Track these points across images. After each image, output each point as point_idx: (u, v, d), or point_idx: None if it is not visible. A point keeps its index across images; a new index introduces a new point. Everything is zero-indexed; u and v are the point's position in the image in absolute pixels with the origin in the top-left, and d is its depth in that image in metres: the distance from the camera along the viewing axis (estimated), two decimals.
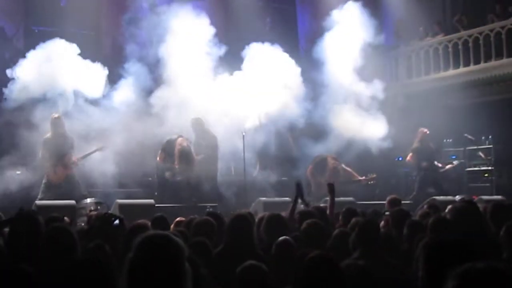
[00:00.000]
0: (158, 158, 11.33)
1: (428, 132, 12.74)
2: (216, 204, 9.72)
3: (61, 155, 10.36)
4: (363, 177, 12.56)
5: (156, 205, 9.67)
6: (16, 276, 2.79)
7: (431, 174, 12.53)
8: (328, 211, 6.64)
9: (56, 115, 10.47)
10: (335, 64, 12.59)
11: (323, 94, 12.64)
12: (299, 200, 6.73)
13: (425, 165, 12.49)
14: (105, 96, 11.36)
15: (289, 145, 12.73)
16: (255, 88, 12.04)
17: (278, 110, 12.14)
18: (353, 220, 5.69)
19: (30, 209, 4.72)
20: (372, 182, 12.64)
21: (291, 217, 6.23)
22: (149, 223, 5.65)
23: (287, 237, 4.68)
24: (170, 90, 11.60)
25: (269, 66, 12.21)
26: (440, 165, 13.06)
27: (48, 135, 10.41)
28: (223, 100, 11.86)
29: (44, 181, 10.35)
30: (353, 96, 12.67)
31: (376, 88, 12.85)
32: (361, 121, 12.51)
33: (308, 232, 4.97)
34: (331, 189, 6.92)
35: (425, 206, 8.00)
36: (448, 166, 13.40)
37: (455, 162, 13.79)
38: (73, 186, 10.42)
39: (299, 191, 6.73)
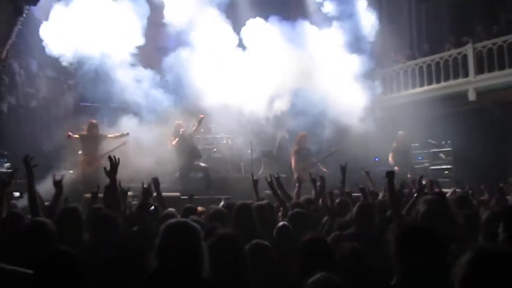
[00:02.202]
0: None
1: (402, 134, 13.00)
2: (230, 196, 9.73)
3: (93, 151, 10.45)
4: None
5: (181, 197, 9.59)
6: (63, 256, 2.73)
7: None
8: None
9: (94, 121, 10.71)
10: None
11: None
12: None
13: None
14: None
15: (286, 146, 12.71)
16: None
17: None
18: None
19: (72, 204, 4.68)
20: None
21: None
22: (175, 212, 5.58)
23: (285, 223, 4.55)
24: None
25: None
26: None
27: (84, 133, 10.52)
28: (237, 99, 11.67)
29: (79, 173, 10.36)
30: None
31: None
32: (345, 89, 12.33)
33: (295, 219, 4.77)
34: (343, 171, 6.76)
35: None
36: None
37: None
38: (98, 177, 10.45)
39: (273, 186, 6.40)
